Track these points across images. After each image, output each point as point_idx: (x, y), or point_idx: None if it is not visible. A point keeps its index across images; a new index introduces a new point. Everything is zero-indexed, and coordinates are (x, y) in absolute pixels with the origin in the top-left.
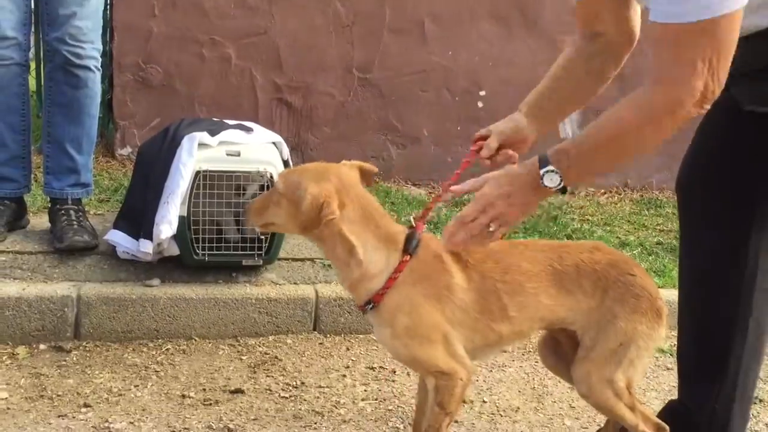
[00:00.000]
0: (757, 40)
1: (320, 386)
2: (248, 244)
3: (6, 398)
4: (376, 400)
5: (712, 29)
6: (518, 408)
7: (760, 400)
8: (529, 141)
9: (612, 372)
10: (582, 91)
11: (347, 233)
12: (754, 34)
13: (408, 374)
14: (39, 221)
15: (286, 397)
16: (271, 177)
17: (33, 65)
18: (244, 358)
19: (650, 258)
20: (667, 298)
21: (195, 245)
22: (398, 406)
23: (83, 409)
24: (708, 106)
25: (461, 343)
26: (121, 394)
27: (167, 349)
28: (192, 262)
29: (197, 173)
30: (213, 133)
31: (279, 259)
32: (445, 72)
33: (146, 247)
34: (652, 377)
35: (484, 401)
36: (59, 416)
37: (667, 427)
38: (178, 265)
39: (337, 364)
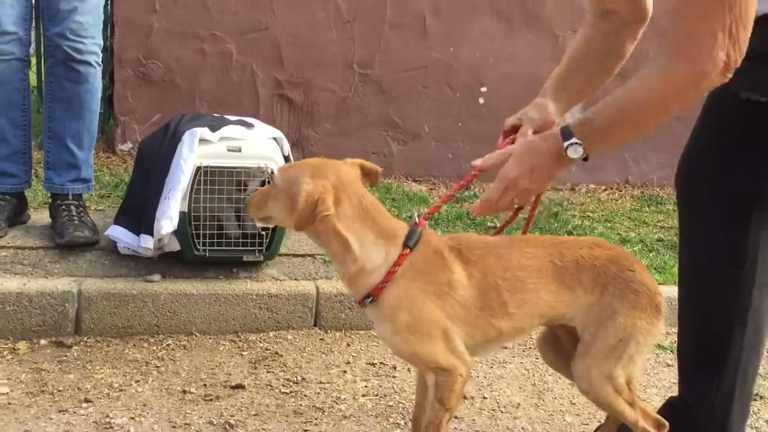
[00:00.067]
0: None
1: (321, 382)
2: (249, 240)
3: (7, 393)
4: (376, 395)
5: None
6: (519, 404)
7: (761, 397)
8: (554, 125)
9: (612, 368)
10: (601, 70)
11: (342, 230)
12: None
13: (408, 370)
14: (40, 217)
15: (287, 393)
16: (272, 173)
17: (33, 60)
18: (244, 353)
19: (651, 255)
20: (667, 295)
21: (196, 241)
22: (399, 402)
23: (84, 405)
24: (730, 75)
25: (461, 339)
26: (121, 390)
27: (168, 345)
28: (193, 258)
29: (198, 169)
30: (214, 129)
31: (280, 255)
32: (446, 68)
33: (147, 243)
34: (653, 374)
35: (484, 397)
36: (60, 411)
37: (667, 424)
38: (179, 261)
39: (337, 360)
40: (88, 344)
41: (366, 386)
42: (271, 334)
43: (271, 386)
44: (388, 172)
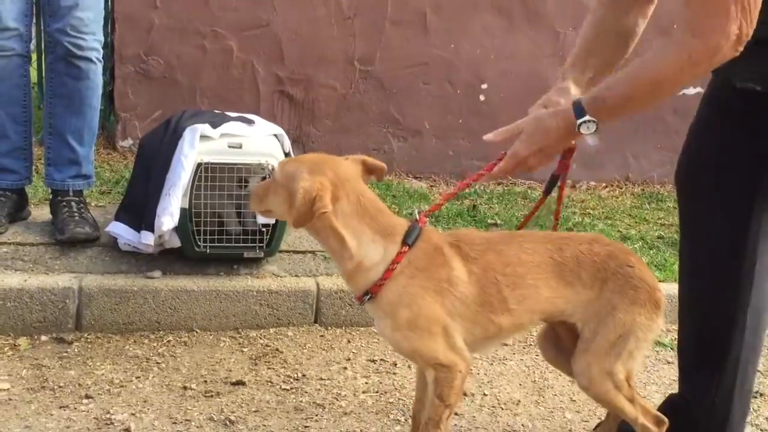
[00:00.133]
0: None
1: (321, 378)
2: (249, 237)
3: (7, 389)
4: (376, 392)
5: None
6: (519, 401)
7: (761, 394)
8: None
9: (612, 364)
10: (617, 49)
11: (339, 227)
12: None
13: (409, 367)
14: (40, 213)
15: (287, 389)
16: (273, 169)
17: (34, 56)
18: (245, 350)
19: (651, 252)
20: (668, 292)
21: (196, 237)
22: (399, 399)
23: (85, 401)
24: (741, 48)
25: (461, 335)
26: (122, 386)
27: (168, 341)
28: (193, 254)
29: (199, 165)
30: (215, 125)
31: (280, 252)
32: (447, 64)
33: (148, 239)
34: (653, 371)
35: (484, 394)
36: (61, 407)
37: (667, 420)
38: (180, 257)
39: (338, 357)
40: (88, 340)
41: (366, 383)
42: (272, 330)
43: (272, 383)
44: (389, 169)
